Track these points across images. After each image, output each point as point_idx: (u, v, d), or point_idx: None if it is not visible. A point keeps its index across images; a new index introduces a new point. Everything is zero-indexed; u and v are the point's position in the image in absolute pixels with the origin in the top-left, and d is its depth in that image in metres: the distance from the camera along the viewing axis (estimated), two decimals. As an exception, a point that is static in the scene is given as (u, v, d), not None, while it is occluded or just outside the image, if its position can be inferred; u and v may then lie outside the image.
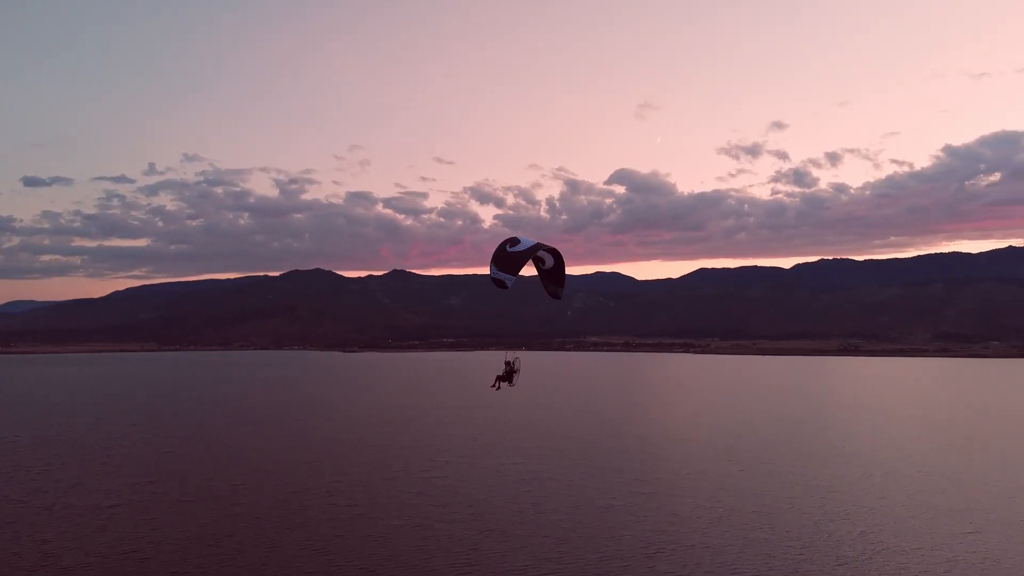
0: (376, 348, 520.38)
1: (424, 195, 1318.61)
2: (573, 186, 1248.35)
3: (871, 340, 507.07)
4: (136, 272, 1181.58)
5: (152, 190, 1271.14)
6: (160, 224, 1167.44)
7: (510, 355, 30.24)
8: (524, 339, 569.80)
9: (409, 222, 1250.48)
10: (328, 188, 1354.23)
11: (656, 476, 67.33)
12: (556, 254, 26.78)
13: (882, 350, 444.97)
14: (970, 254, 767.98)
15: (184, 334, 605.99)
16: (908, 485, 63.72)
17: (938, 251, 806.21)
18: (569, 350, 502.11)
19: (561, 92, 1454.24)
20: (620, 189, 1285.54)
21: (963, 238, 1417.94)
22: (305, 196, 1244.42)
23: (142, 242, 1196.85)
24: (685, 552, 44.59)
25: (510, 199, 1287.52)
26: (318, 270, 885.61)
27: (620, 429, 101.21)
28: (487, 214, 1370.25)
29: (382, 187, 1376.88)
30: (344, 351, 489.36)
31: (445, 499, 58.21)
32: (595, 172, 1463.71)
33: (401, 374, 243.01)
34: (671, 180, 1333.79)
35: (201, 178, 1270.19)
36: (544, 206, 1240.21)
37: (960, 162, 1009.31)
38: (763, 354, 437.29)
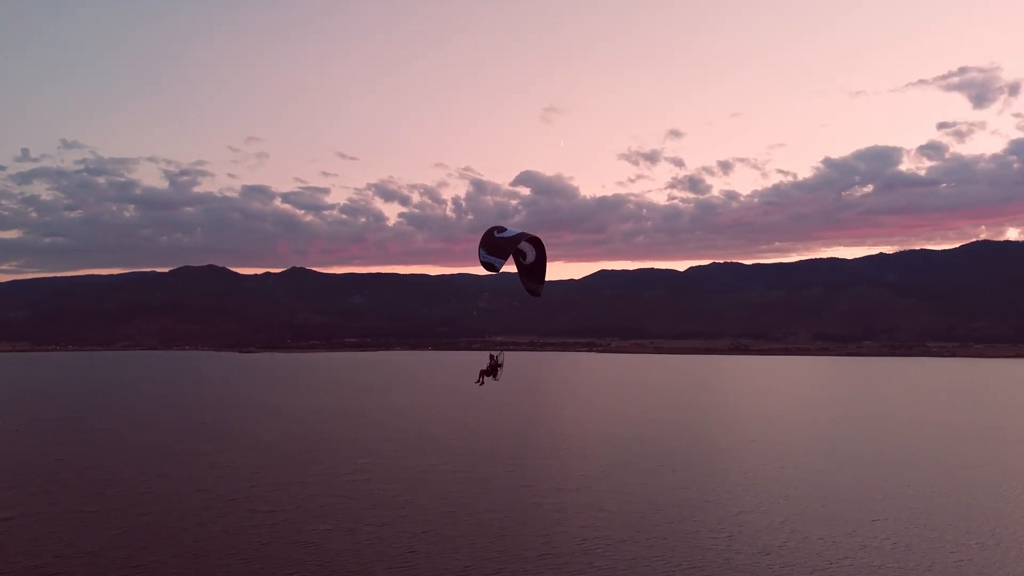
0: (275, 348, 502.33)
1: (326, 191, 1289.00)
2: (479, 186, 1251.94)
3: (758, 339, 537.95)
4: (5, 266, 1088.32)
5: (25, 178, 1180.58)
6: (34, 215, 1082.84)
7: (495, 351, 30.69)
8: (430, 339, 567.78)
9: (309, 218, 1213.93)
10: (222, 181, 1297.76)
11: (581, 472, 68.52)
12: (539, 245, 27.33)
13: (769, 349, 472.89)
14: (846, 260, 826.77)
15: (61, 333, 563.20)
16: (817, 476, 67.84)
17: (818, 256, 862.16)
18: (476, 350, 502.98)
19: (468, 91, 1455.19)
20: (525, 191, 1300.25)
21: (840, 245, 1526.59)
22: (197, 189, 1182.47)
23: (13, 234, 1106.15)
24: (618, 547, 45.59)
25: (415, 197, 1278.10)
26: (211, 267, 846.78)
27: (539, 427, 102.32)
28: (391, 212, 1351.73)
29: (280, 181, 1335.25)
30: (240, 351, 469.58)
31: (373, 501, 56.97)
32: (501, 173, 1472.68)
33: (302, 375, 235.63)
34: (575, 183, 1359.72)
35: (81, 167, 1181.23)
36: (450, 205, 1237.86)
37: (838, 174, 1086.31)
38: (660, 353, 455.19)
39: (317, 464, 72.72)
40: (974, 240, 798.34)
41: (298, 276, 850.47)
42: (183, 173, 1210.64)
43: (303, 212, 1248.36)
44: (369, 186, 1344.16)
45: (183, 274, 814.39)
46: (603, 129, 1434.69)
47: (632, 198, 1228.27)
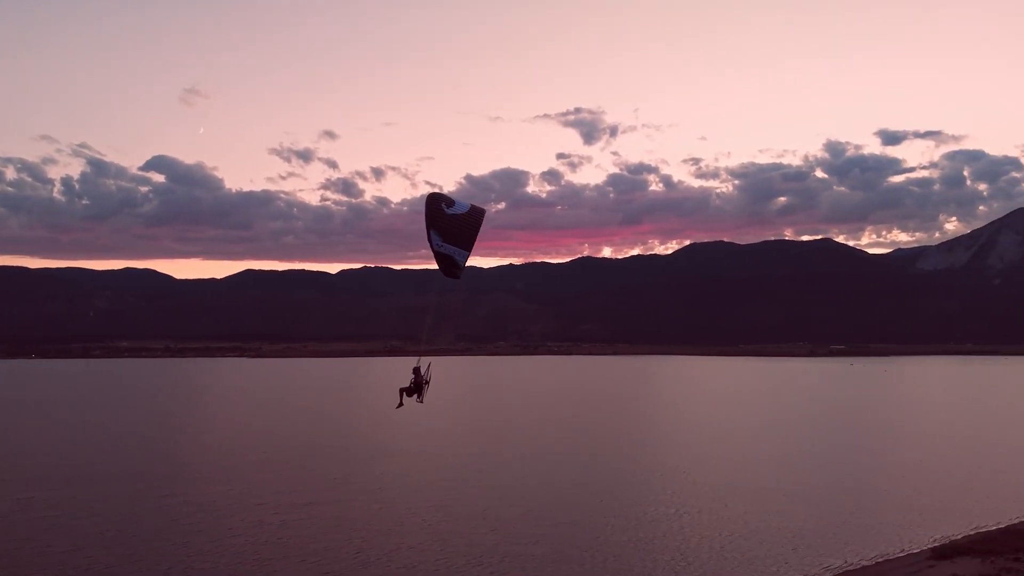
0: None
1: None
2: (99, 167, 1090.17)
3: (409, 341, 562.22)
4: None
5: None
6: None
7: (422, 361, 25.13)
8: (32, 344, 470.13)
9: None
10: None
11: (393, 482, 63.86)
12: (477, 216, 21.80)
13: (421, 350, 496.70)
14: (483, 269, 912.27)
15: None
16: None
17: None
18: (96, 357, 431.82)
19: (92, 56, 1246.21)
20: (159, 177, 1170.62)
21: (478, 254, 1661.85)
22: None
23: None
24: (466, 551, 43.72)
25: (10, 173, 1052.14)
26: None
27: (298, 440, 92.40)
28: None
29: None
30: None
31: (224, 517, 45.44)
32: (128, 155, 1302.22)
33: None
34: (218, 174, 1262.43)
35: None
36: (59, 186, 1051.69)
37: (478, 190, 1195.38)
38: (315, 356, 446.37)
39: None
40: (580, 256, 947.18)
41: None
42: None
43: None
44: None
45: None
46: (253, 120, 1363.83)
47: (283, 196, 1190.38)
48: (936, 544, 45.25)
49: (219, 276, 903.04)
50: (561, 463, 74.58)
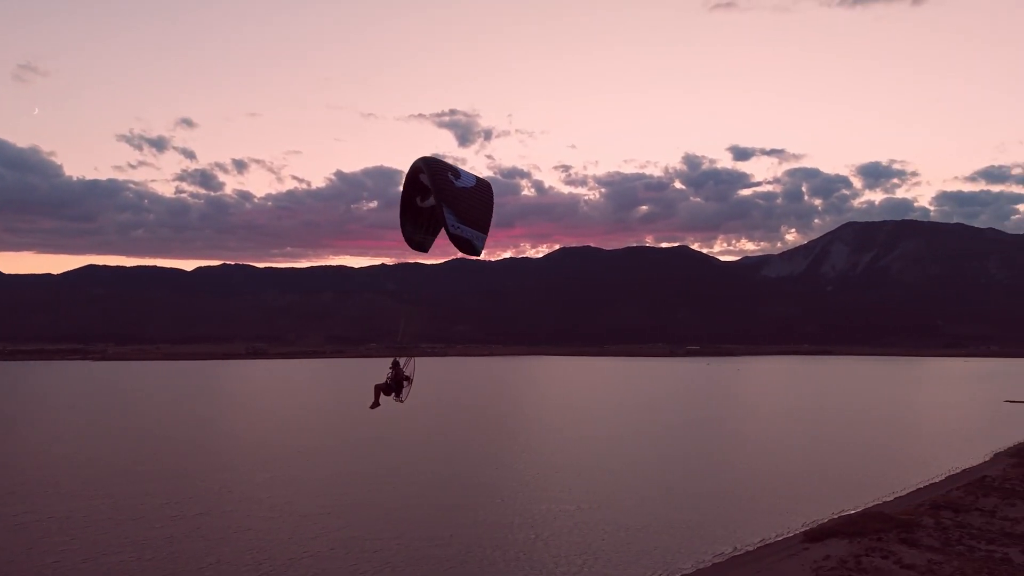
0: None
1: None
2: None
3: (274, 343, 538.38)
4: None
5: None
6: None
7: (399, 357, 21.79)
8: None
9: None
10: None
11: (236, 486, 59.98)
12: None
13: (288, 352, 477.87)
14: (353, 268, 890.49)
15: None
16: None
17: (327, 263, 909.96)
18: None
19: None
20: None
21: (347, 253, 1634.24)
22: None
23: None
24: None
25: None
26: None
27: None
28: None
29: None
30: None
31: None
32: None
33: None
34: (56, 160, 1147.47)
35: None
36: None
37: (348, 187, 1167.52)
38: (169, 359, 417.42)
39: None
40: (454, 257, 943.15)
41: None
42: None
43: None
44: None
45: None
46: (99, 103, 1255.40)
47: (132, 186, 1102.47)
48: (807, 528, 49.69)
49: (56, 271, 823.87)
50: (450, 464, 74.66)
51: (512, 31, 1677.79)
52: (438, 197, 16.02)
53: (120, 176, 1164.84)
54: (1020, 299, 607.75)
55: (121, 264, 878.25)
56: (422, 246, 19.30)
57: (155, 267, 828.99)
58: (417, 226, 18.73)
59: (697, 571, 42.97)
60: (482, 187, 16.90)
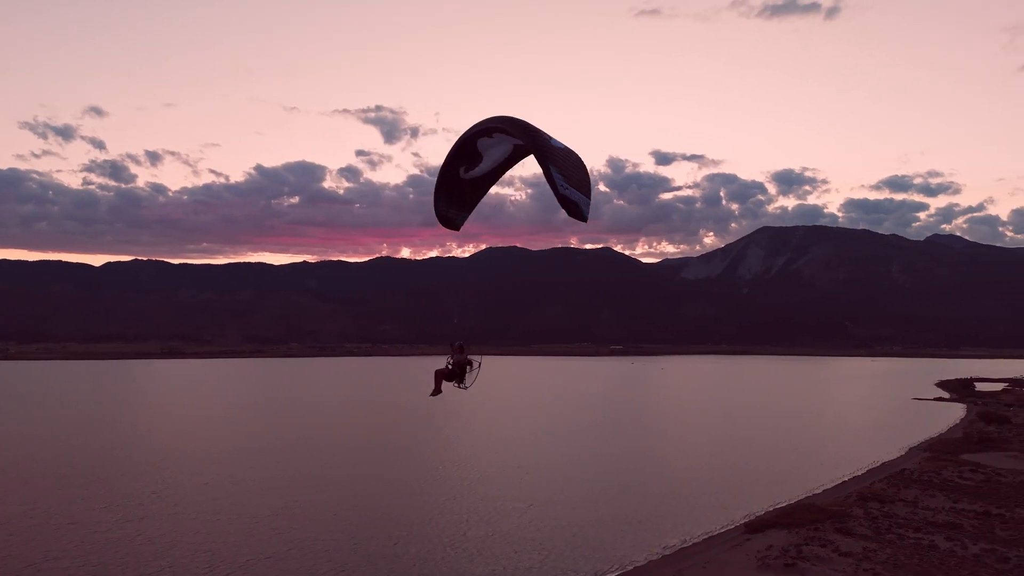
0: None
1: None
2: None
3: (189, 342, 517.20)
4: None
5: None
6: None
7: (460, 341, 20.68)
8: None
9: None
10: None
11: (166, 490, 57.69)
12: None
13: (204, 352, 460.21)
14: (273, 265, 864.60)
15: None
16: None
17: (247, 260, 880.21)
18: None
19: None
20: None
21: (266, 250, 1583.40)
22: None
23: None
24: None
25: None
26: None
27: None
28: None
29: None
30: None
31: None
32: None
33: None
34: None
35: None
36: None
37: (269, 182, 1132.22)
38: (76, 359, 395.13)
39: None
40: (379, 255, 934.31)
41: None
42: None
43: None
44: None
45: None
46: (0, 88, 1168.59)
47: (36, 176, 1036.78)
48: (747, 520, 52.37)
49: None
50: (390, 467, 74.47)
51: (439, 31, 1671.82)
52: (542, 154, 14.71)
53: (22, 165, 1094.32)
54: (921, 302, 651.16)
55: (23, 258, 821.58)
56: (454, 223, 17.86)
57: (60, 262, 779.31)
58: (452, 200, 17.28)
59: (649, 562, 44.79)
60: (573, 152, 15.62)
